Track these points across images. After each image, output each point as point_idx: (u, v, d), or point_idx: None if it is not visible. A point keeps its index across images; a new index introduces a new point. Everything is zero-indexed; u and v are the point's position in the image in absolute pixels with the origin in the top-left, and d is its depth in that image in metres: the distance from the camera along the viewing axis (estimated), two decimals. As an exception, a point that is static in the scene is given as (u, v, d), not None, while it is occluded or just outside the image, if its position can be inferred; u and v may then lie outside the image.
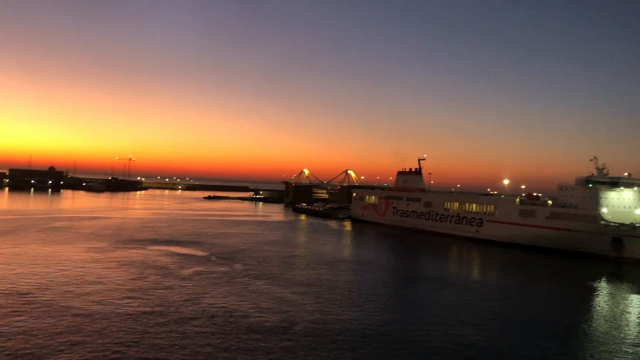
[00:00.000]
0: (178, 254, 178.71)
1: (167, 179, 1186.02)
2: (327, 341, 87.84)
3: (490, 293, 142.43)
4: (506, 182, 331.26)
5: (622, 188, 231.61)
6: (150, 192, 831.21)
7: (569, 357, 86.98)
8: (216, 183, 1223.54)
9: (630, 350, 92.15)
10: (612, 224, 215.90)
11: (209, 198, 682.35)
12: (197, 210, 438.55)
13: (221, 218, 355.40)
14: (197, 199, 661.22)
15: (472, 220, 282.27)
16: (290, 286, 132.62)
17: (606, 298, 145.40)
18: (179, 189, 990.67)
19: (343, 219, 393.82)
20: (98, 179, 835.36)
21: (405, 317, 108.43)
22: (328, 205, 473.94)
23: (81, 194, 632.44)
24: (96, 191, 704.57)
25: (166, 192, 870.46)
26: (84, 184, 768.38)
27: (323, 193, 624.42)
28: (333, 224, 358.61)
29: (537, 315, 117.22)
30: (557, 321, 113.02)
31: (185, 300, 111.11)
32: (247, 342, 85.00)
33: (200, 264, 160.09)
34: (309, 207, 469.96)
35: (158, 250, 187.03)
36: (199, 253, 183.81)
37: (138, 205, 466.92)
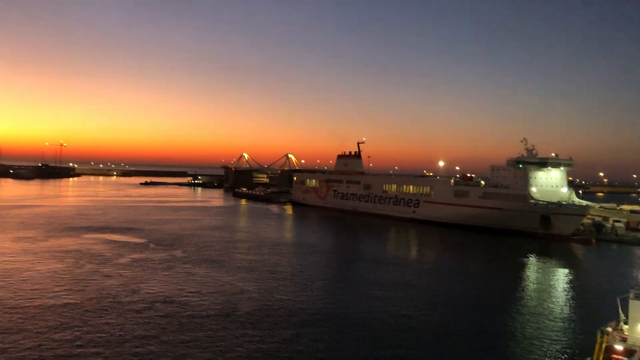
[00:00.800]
0: (114, 242, 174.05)
1: (101, 165, 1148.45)
2: (270, 325, 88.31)
3: (428, 271, 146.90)
4: (441, 163, 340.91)
5: (549, 168, 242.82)
6: (83, 178, 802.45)
7: (503, 330, 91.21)
8: (153, 169, 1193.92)
9: (559, 324, 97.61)
10: (541, 202, 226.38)
11: (146, 184, 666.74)
12: (134, 196, 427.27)
13: (159, 204, 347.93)
14: (133, 185, 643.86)
15: (409, 201, 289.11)
16: (232, 271, 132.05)
17: (535, 273, 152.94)
18: (114, 175, 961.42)
19: (284, 203, 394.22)
20: (27, 166, 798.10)
21: (348, 297, 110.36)
22: (269, 190, 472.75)
23: (9, 181, 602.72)
24: (25, 178, 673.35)
25: (100, 178, 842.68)
26: (12, 170, 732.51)
27: (264, 177, 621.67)
28: (274, 208, 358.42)
29: (472, 292, 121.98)
30: (491, 296, 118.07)
31: (123, 289, 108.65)
32: (189, 330, 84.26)
33: (138, 252, 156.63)
34: (250, 192, 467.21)
35: (93, 238, 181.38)
36: (137, 240, 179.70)
37: (71, 193, 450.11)
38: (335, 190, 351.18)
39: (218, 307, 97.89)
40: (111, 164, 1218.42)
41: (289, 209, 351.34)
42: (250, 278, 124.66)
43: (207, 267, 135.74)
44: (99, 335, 79.68)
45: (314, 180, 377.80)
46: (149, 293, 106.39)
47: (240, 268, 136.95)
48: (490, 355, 78.13)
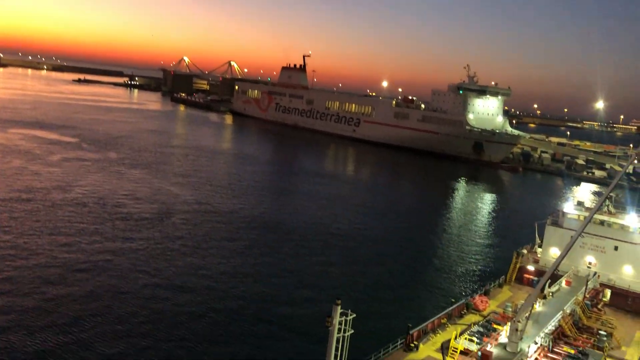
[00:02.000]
0: (44, 139, 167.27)
1: (30, 57, 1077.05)
2: (207, 231, 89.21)
3: (363, 187, 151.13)
4: (385, 84, 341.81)
5: (488, 96, 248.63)
6: (10, 70, 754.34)
7: (429, 246, 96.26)
8: (87, 65, 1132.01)
9: (481, 244, 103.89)
10: (476, 129, 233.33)
11: (79, 81, 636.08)
12: (66, 93, 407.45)
13: (93, 103, 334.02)
14: (65, 81, 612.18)
15: (351, 120, 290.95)
16: (168, 177, 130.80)
17: (464, 196, 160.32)
18: (44, 69, 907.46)
19: (224, 112, 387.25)
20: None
21: (285, 207, 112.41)
22: (209, 97, 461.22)
23: None
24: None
25: (29, 71, 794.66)
26: None
27: (204, 84, 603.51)
28: (213, 116, 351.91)
29: (403, 209, 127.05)
30: (420, 215, 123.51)
31: (54, 187, 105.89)
32: (123, 230, 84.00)
33: (70, 150, 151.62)
34: (189, 98, 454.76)
35: (21, 133, 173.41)
36: (68, 139, 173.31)
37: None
38: (277, 103, 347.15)
39: (153, 210, 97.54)
40: (42, 57, 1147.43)
41: (228, 119, 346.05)
42: (186, 184, 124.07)
43: (142, 171, 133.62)
44: (26, 228, 78.14)
45: (256, 91, 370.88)
46: (81, 193, 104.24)
47: (176, 174, 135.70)
48: (414, 264, 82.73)
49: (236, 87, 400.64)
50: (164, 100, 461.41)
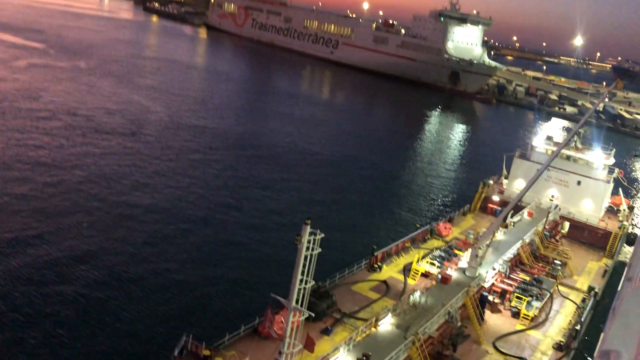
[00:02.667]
0: (9, 43, 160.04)
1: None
2: (179, 146, 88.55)
3: (337, 112, 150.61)
4: (366, 6, 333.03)
5: (468, 25, 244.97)
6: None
7: (402, 172, 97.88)
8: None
9: (450, 174, 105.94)
10: (454, 58, 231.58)
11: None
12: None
13: (60, 8, 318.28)
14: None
15: (329, 41, 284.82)
16: (140, 90, 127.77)
17: (437, 125, 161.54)
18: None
19: (199, 26, 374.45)
20: None
21: (259, 128, 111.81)
22: (183, 9, 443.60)
23: None
24: None
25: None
26: None
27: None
28: (187, 29, 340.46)
29: (376, 135, 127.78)
30: (392, 141, 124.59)
31: (22, 95, 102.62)
32: (94, 141, 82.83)
33: (37, 57, 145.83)
34: (162, 8, 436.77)
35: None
36: (36, 44, 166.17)
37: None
38: (254, 19, 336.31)
39: (124, 123, 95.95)
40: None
41: (203, 33, 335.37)
42: (158, 98, 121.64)
43: (113, 83, 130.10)
44: (-5, 139, 76.51)
45: (232, 4, 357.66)
46: (50, 102, 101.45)
47: (148, 87, 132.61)
48: (384, 189, 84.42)
49: (212, 0, 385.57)
50: (136, 10, 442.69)
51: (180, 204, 65.40)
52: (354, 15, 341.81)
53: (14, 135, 79.11)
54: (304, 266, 23.95)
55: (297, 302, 24.19)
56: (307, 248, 23.94)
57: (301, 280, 24.07)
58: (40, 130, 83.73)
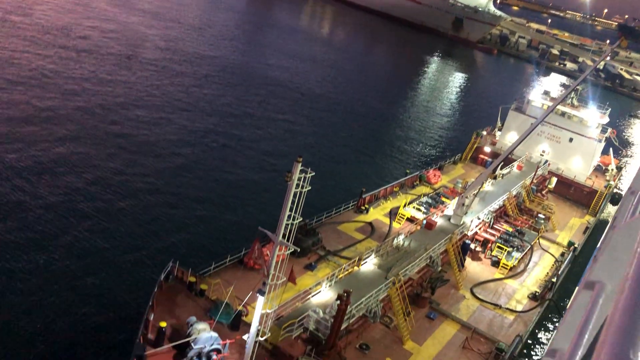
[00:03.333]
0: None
1: None
2: (175, 74, 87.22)
3: (336, 50, 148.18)
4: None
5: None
6: None
7: (397, 116, 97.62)
8: None
9: (441, 121, 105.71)
10: (459, 3, 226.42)
11: None
12: None
13: None
14: None
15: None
16: (136, 13, 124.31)
17: (436, 71, 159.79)
18: None
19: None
20: None
21: (256, 60, 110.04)
22: None
23: None
24: None
25: None
26: None
27: None
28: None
29: (373, 76, 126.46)
30: (390, 85, 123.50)
31: (13, 8, 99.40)
32: (87, 66, 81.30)
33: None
34: None
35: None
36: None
37: None
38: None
39: (120, 47, 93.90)
40: None
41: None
42: (155, 25, 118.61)
43: (109, 3, 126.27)
44: (-14, 53, 74.80)
45: None
46: (43, 18, 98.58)
47: (145, 11, 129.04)
48: (377, 132, 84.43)
49: None
50: None
51: (170, 136, 65.14)
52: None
53: (5, 51, 77.31)
54: (292, 203, 24.30)
55: (283, 236, 24.69)
56: (297, 185, 24.21)
57: (289, 217, 24.47)
58: (32, 47, 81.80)
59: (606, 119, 73.55)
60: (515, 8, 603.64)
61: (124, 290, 36.88)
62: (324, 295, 34.53)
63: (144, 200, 48.81)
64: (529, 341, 40.88)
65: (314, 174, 24.87)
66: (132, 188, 50.43)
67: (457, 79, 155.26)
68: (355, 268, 38.24)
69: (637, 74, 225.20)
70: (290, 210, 24.50)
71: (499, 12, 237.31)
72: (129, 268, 39.31)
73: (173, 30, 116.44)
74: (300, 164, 24.08)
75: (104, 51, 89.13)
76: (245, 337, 26.89)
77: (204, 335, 26.15)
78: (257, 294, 25.25)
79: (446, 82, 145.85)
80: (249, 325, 26.94)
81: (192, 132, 67.39)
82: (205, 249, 43.38)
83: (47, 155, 52.12)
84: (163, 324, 26.75)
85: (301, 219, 25.01)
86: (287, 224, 24.60)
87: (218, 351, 26.25)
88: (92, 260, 38.97)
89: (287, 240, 24.84)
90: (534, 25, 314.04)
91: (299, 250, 28.97)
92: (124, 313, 34.87)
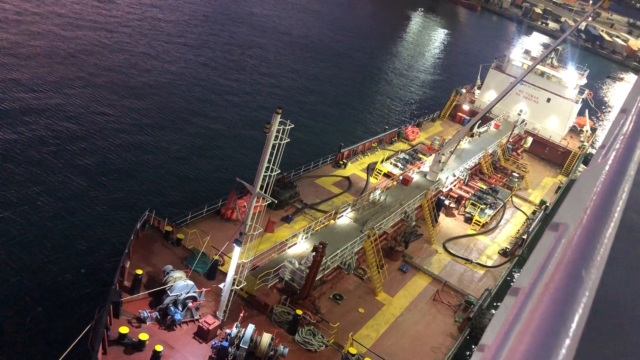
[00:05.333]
0: None
1: None
2: (150, 21, 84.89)
3: (320, 2, 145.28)
4: None
5: None
6: None
7: (378, 71, 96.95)
8: None
9: (424, 75, 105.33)
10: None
11: None
12: None
13: None
14: None
15: None
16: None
17: (418, 27, 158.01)
18: None
19: None
20: None
21: (243, 8, 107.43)
22: None
23: None
24: None
25: None
26: None
27: None
28: None
29: (356, 29, 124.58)
30: (373, 39, 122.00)
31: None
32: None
33: None
34: None
35: None
36: None
37: None
38: None
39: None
40: None
41: None
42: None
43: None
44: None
45: None
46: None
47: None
48: (359, 86, 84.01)
49: None
50: None
51: (147, 86, 63.88)
52: None
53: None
54: (271, 155, 24.30)
55: (261, 188, 24.78)
56: (276, 137, 24.16)
57: (267, 168, 24.50)
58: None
59: (584, 80, 74.16)
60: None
61: (100, 239, 36.87)
62: (300, 247, 35.03)
63: (120, 151, 48.24)
64: (498, 295, 42.25)
65: (293, 126, 24.80)
66: (108, 138, 49.72)
67: (440, 35, 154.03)
68: (332, 221, 38.72)
69: (617, 36, 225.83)
70: (269, 162, 24.51)
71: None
72: (105, 217, 39.19)
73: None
74: (279, 116, 23.96)
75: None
76: (221, 285, 27.31)
77: (180, 283, 26.49)
78: (234, 244, 25.51)
79: (428, 38, 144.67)
80: (225, 274, 27.32)
81: (170, 82, 66.16)
82: (182, 200, 43.37)
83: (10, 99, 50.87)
84: (139, 272, 26.97)
85: (279, 171, 25.07)
86: (264, 176, 24.66)
87: (194, 299, 26.65)
88: (67, 208, 38.72)
89: (265, 192, 24.96)
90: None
91: (276, 202, 29.18)
92: (100, 261, 34.98)
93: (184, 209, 36.96)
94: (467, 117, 69.48)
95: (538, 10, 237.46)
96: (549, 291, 2.17)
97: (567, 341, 1.94)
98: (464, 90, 77.41)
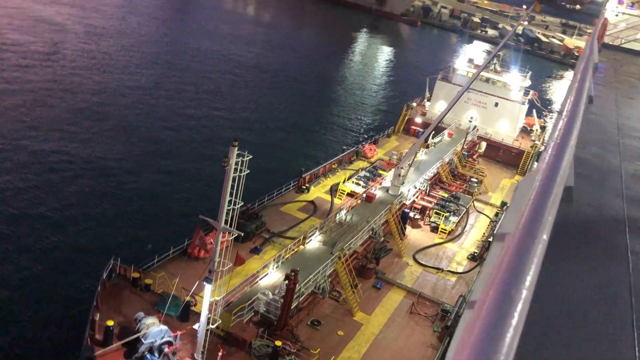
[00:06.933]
0: None
1: None
2: (93, 64, 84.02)
3: (263, 31, 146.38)
4: None
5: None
6: None
7: (330, 94, 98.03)
8: None
9: (373, 95, 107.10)
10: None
11: None
12: None
13: None
14: None
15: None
16: (54, 5, 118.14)
17: (363, 46, 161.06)
18: None
19: None
20: None
21: (183, 45, 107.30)
22: None
23: None
24: None
25: None
26: None
27: None
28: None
29: (302, 54, 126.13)
30: (320, 62, 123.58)
31: None
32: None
33: None
34: None
35: None
36: None
37: None
38: None
39: (40, 39, 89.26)
40: None
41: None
42: (74, 15, 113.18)
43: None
44: None
45: None
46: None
47: (62, 3, 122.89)
48: (312, 110, 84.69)
49: None
50: None
51: (103, 127, 62.97)
52: None
53: None
54: (232, 188, 24.23)
55: (226, 222, 24.61)
56: (235, 170, 24.13)
57: (230, 202, 24.39)
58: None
59: (528, 82, 76.70)
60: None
61: (66, 293, 35.80)
62: (272, 277, 34.79)
63: (78, 196, 47.20)
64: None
65: (251, 156, 24.84)
66: (64, 184, 48.62)
67: (385, 52, 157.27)
68: (301, 247, 38.64)
69: (553, 37, 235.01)
70: (231, 195, 24.43)
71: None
72: (69, 269, 38.14)
73: (95, 21, 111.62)
74: (236, 148, 23.99)
75: (17, 49, 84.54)
76: (195, 326, 26.80)
77: (154, 329, 25.88)
78: (204, 283, 25.17)
79: (375, 57, 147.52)
80: (198, 314, 26.85)
81: (125, 125, 65.37)
82: (147, 243, 42.56)
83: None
84: (110, 323, 26.26)
85: (242, 203, 24.98)
86: (228, 210, 24.54)
87: (170, 343, 26.07)
88: (29, 265, 37.51)
89: (230, 226, 24.80)
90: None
91: (242, 235, 29.00)
92: (69, 316, 33.91)
93: (150, 252, 36.28)
94: (421, 130, 70.67)
95: (476, 20, 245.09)
96: (487, 304, 2.28)
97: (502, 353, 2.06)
98: (414, 104, 78.96)
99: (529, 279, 2.51)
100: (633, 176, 8.02)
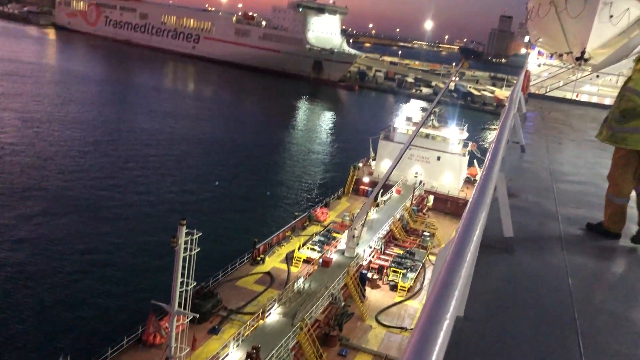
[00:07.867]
0: None
1: None
2: (37, 155, 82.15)
3: (205, 106, 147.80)
4: (224, 0, 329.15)
5: (326, 14, 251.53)
6: None
7: (275, 162, 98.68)
8: None
9: (322, 159, 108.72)
10: (315, 48, 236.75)
11: None
12: None
13: None
14: None
15: (189, 36, 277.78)
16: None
17: (305, 114, 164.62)
18: None
19: (46, 26, 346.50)
20: None
21: (124, 127, 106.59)
22: (26, 9, 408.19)
23: None
24: None
25: None
26: None
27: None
28: (33, 30, 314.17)
29: (245, 127, 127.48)
30: (262, 132, 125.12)
31: None
32: None
33: None
34: (1, 9, 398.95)
35: None
36: None
37: None
38: (107, 17, 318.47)
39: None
40: None
41: (51, 34, 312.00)
42: (7, 105, 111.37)
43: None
44: None
45: (81, 2, 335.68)
46: None
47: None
48: (260, 182, 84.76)
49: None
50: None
51: (40, 210, 60.88)
52: (212, 9, 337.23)
53: None
54: (183, 268, 23.63)
55: (179, 305, 23.82)
56: (185, 249, 23.62)
57: (182, 283, 23.71)
58: None
59: (465, 134, 79.78)
60: (368, 45, 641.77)
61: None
62: (233, 357, 33.50)
63: (14, 290, 44.77)
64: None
65: (200, 234, 24.46)
66: None
67: (327, 117, 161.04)
68: (261, 322, 37.62)
69: (484, 90, 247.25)
70: (182, 276, 23.79)
71: (353, 51, 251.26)
72: (14, 374, 35.62)
73: (31, 108, 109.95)
74: (184, 227, 23.59)
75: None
76: (156, 419, 25.28)
77: None
78: (162, 371, 23.98)
79: (317, 123, 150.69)
80: (158, 406, 25.40)
81: (67, 209, 63.38)
82: (97, 334, 40.49)
83: None
84: None
85: (195, 282, 24.32)
86: (181, 291, 23.81)
87: None
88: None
89: (184, 308, 23.99)
90: (387, 58, 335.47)
91: (198, 316, 28.07)
92: None
93: (102, 344, 34.47)
94: (370, 189, 71.81)
95: (410, 80, 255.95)
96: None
97: None
98: (360, 164, 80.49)
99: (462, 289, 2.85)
100: (568, 219, 8.36)
